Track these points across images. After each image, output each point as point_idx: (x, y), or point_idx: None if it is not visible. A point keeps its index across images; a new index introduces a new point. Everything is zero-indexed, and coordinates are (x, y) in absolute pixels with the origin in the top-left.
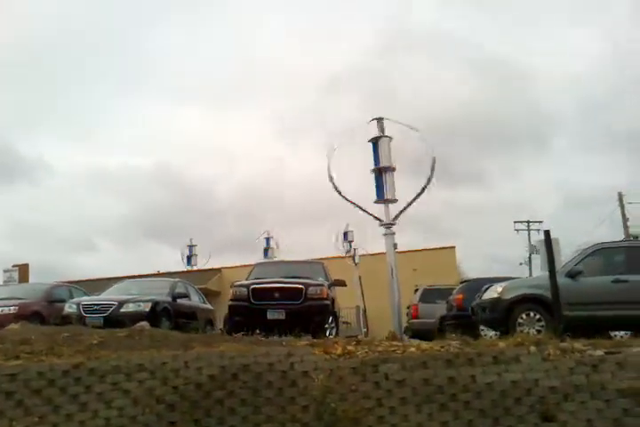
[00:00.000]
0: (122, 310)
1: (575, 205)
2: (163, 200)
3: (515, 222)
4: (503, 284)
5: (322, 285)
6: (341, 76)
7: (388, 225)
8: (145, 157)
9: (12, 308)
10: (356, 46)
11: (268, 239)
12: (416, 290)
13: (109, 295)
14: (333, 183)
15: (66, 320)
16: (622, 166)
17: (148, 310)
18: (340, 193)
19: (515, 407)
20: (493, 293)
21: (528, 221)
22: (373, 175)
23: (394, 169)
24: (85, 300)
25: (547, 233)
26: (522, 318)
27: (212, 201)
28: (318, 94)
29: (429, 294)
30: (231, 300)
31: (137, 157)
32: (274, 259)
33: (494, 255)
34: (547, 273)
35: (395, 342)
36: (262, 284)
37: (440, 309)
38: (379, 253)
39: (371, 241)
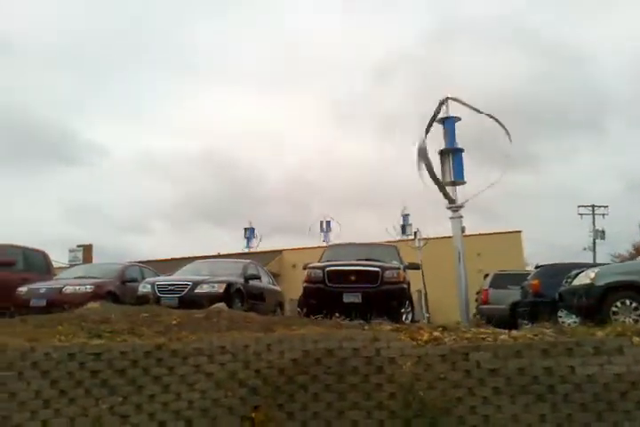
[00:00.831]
0: (196, 290)
1: (634, 189)
2: (215, 184)
3: (579, 207)
4: (596, 269)
5: (398, 268)
6: (393, 63)
7: (456, 208)
8: (197, 140)
9: (88, 287)
10: (407, 32)
11: (327, 222)
12: (486, 275)
13: (183, 276)
14: (428, 162)
15: (141, 300)
16: None
17: (222, 291)
18: (431, 173)
19: (620, 402)
20: (585, 278)
21: (593, 206)
22: (440, 157)
23: (462, 151)
24: (160, 280)
25: None
26: (616, 306)
27: (263, 185)
28: (370, 80)
29: (501, 280)
30: (306, 282)
31: (189, 140)
32: (341, 242)
33: (553, 241)
34: None
35: (482, 329)
36: (338, 266)
37: (512, 294)
38: (440, 237)
39: (425, 226)
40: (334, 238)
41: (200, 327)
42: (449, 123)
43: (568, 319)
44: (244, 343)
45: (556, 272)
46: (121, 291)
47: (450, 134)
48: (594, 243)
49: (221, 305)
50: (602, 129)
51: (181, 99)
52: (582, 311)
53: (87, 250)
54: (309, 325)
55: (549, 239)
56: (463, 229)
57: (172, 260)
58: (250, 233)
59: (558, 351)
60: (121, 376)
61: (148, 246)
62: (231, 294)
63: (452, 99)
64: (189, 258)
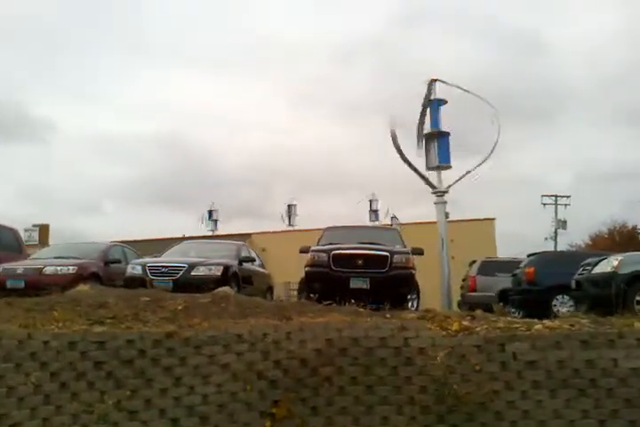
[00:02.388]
0: (192, 273)
1: (587, 181)
2: (171, 166)
3: (542, 196)
4: (619, 257)
5: (407, 253)
6: (354, 47)
7: (441, 193)
8: (153, 121)
9: (70, 268)
10: (369, 17)
11: (290, 206)
12: (472, 262)
13: (176, 257)
14: (398, 147)
15: (130, 283)
16: (636, 142)
17: (219, 274)
18: (405, 159)
19: None
20: (608, 267)
21: (556, 196)
22: (424, 140)
23: (448, 134)
24: (152, 262)
25: None
26: None
27: (222, 168)
28: (333, 64)
29: (488, 267)
30: (309, 266)
31: (145, 121)
32: (339, 224)
33: (513, 230)
34: None
35: (513, 319)
36: (344, 249)
37: (500, 282)
38: (416, 223)
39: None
40: (301, 223)
41: (209, 313)
42: (434, 106)
43: (563, 308)
44: (262, 331)
45: (551, 260)
46: (105, 272)
47: (435, 117)
48: (555, 233)
49: (227, 289)
50: (557, 119)
51: (137, 79)
52: (603, 301)
53: (43, 230)
54: (325, 311)
55: (510, 228)
56: (447, 215)
57: (143, 241)
58: (211, 215)
59: (599, 343)
60: (128, 368)
61: (103, 227)
62: (228, 278)
63: (438, 80)
64: (160, 240)
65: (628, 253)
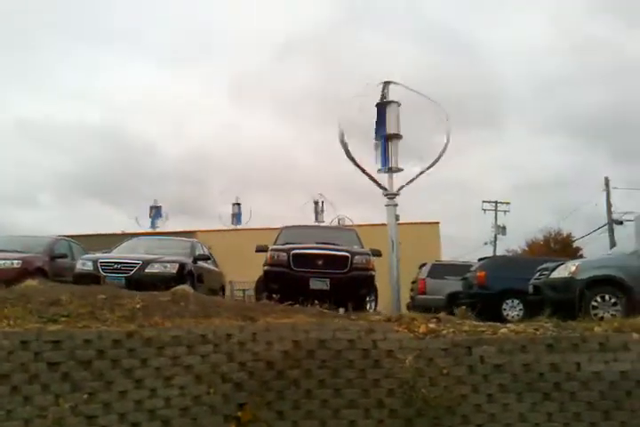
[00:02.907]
0: (147, 270)
1: (524, 188)
2: (108, 159)
3: (483, 202)
4: (577, 262)
5: (368, 254)
6: (293, 44)
7: (392, 195)
8: (90, 111)
9: (14, 262)
10: (307, 15)
11: (238, 205)
12: (422, 265)
13: (128, 254)
14: (346, 148)
15: (80, 279)
16: (573, 148)
17: (174, 271)
18: (352, 160)
19: (626, 401)
20: (565, 272)
21: (496, 202)
22: (375, 143)
23: (401, 137)
24: (103, 257)
25: None
26: (596, 300)
27: (161, 162)
28: (274, 58)
29: (438, 270)
30: (268, 265)
31: (82, 110)
32: (296, 224)
33: (451, 233)
34: (623, 252)
35: (477, 322)
36: (304, 249)
37: (449, 285)
38: (364, 225)
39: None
40: (245, 222)
41: (169, 312)
42: (390, 108)
43: (512, 313)
44: (226, 332)
45: (502, 265)
46: (51, 268)
47: (389, 120)
48: (495, 238)
49: (186, 287)
50: (498, 125)
51: (74, 66)
52: (560, 305)
53: None
54: (289, 312)
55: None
56: (397, 218)
57: (80, 236)
58: (155, 212)
59: (564, 347)
60: (85, 369)
61: (34, 221)
62: (184, 276)
63: (392, 82)
64: (98, 236)
65: (584, 259)
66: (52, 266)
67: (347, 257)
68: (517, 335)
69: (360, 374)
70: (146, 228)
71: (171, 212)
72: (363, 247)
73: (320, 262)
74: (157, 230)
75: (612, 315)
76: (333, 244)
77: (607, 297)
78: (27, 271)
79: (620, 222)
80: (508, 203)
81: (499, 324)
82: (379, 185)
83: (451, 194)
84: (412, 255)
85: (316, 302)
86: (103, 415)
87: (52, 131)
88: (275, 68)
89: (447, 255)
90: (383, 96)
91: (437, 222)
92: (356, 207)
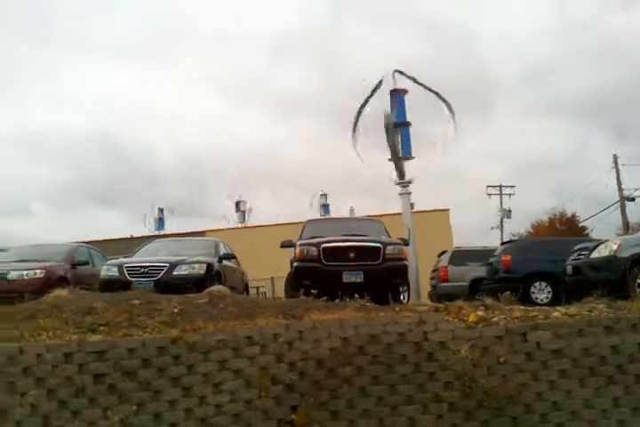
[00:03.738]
0: (175, 272)
1: (522, 171)
2: (104, 165)
3: (487, 187)
4: (618, 240)
5: (399, 243)
6: (286, 40)
7: (406, 184)
8: (77, 117)
9: (37, 271)
10: (298, 9)
11: (239, 203)
12: (442, 252)
13: (154, 257)
14: (354, 140)
15: (107, 285)
16: (564, 132)
17: (203, 272)
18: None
19: None
20: (606, 250)
21: (500, 186)
22: (387, 130)
23: (410, 124)
24: (129, 262)
25: None
26: None
27: (157, 166)
28: (267, 57)
29: (459, 256)
30: (298, 260)
31: (69, 117)
32: (319, 217)
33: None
34: None
35: (527, 307)
36: (335, 242)
37: (471, 271)
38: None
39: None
40: (250, 220)
41: (208, 315)
42: (399, 96)
43: (541, 295)
44: (272, 332)
45: (527, 248)
46: (73, 276)
47: (399, 108)
48: (501, 222)
49: (222, 288)
50: (489, 112)
51: (60, 72)
52: (604, 285)
53: None
54: (332, 308)
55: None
56: (412, 206)
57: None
58: (160, 214)
59: (622, 328)
60: (131, 380)
61: (32, 230)
62: (212, 276)
63: (398, 72)
64: (107, 241)
65: (626, 237)
66: (74, 274)
67: (379, 248)
68: (572, 319)
69: (414, 369)
70: (152, 230)
71: (173, 213)
72: (390, 237)
73: (352, 255)
74: (163, 233)
75: None
76: (361, 235)
77: None
78: (50, 281)
79: (632, 199)
80: (512, 186)
81: (548, 308)
82: (400, 172)
83: (449, 182)
84: (423, 244)
85: (350, 295)
86: None
87: (40, 137)
88: (269, 66)
89: (456, 243)
90: (378, 86)
91: (447, 209)
92: (355, 199)
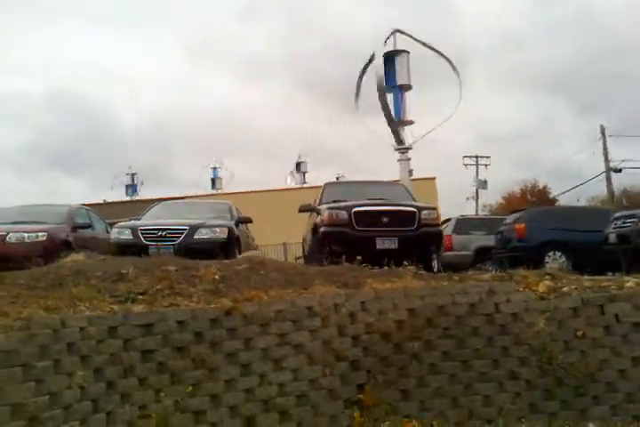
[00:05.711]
0: (195, 236)
1: (493, 141)
2: (65, 128)
3: (464, 157)
4: None
5: (434, 208)
6: (254, 4)
7: (404, 150)
8: (39, 79)
9: (39, 234)
10: None
11: (215, 169)
12: (445, 221)
13: (172, 220)
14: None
15: (122, 249)
16: (535, 104)
17: (225, 236)
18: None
19: None
20: None
21: (477, 156)
22: (385, 94)
23: (411, 88)
24: (144, 225)
25: None
26: None
27: (121, 130)
28: (234, 20)
29: (463, 225)
30: (326, 225)
31: (30, 79)
32: (339, 180)
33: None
34: None
35: (597, 277)
36: (367, 206)
37: (476, 240)
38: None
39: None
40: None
41: (253, 283)
42: (400, 58)
43: (555, 265)
44: (333, 301)
45: (540, 216)
46: (75, 239)
47: (398, 70)
48: (477, 193)
49: (257, 253)
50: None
51: (20, 33)
52: None
53: None
54: (383, 276)
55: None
56: (411, 173)
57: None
58: (132, 180)
59: None
60: (183, 357)
61: None
62: (233, 241)
63: (399, 31)
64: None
65: None
66: (76, 237)
67: (414, 213)
68: None
69: (487, 343)
70: (122, 197)
71: (143, 180)
72: (416, 201)
73: (386, 220)
74: (137, 198)
75: None
76: (386, 199)
77: None
78: (53, 244)
79: (619, 170)
80: (488, 157)
81: (616, 277)
82: (398, 137)
83: (425, 152)
84: None
85: (384, 262)
86: (211, 410)
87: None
88: (236, 29)
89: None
90: (373, 56)
91: (434, 178)
92: (325, 167)
